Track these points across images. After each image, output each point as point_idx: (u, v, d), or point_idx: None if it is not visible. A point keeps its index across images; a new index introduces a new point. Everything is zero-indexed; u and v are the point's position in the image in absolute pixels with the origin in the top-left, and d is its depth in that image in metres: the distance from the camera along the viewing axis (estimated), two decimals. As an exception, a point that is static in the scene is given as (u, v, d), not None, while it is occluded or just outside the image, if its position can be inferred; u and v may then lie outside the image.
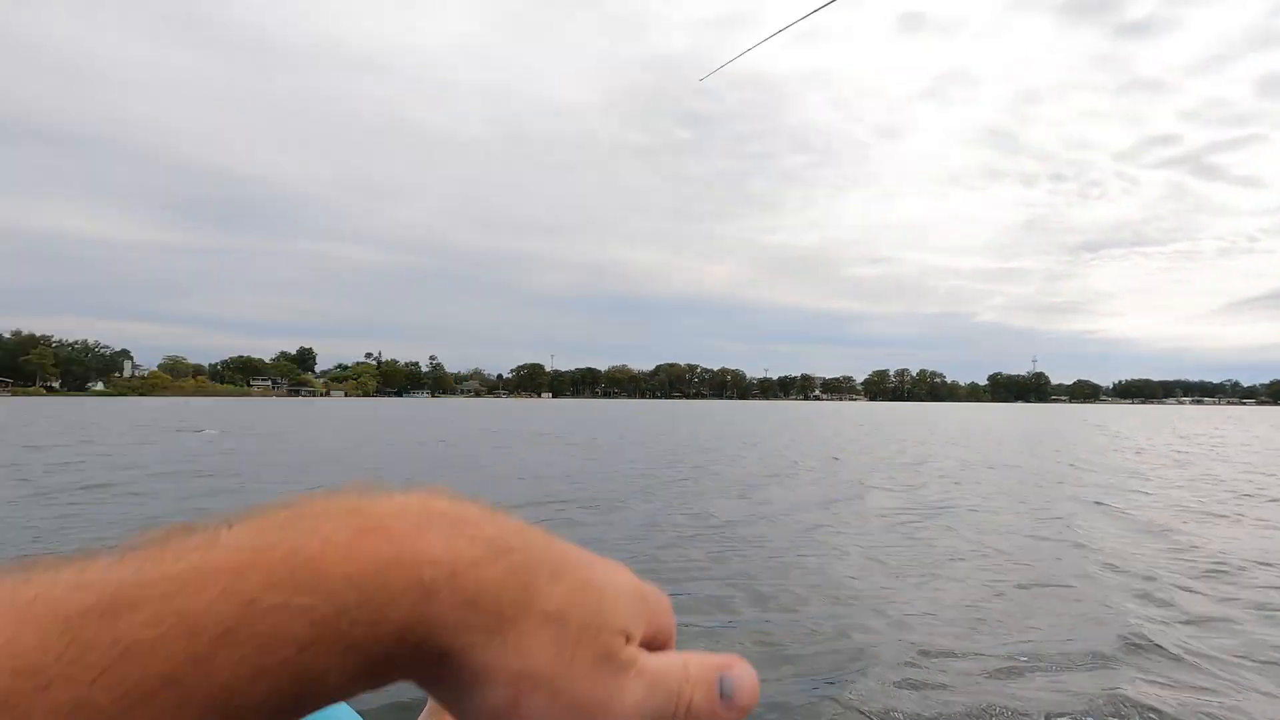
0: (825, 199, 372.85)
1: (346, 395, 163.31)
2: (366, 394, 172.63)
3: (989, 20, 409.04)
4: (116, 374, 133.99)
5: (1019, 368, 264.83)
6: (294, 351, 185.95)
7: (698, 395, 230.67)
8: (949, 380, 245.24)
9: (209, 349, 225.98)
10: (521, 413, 55.16)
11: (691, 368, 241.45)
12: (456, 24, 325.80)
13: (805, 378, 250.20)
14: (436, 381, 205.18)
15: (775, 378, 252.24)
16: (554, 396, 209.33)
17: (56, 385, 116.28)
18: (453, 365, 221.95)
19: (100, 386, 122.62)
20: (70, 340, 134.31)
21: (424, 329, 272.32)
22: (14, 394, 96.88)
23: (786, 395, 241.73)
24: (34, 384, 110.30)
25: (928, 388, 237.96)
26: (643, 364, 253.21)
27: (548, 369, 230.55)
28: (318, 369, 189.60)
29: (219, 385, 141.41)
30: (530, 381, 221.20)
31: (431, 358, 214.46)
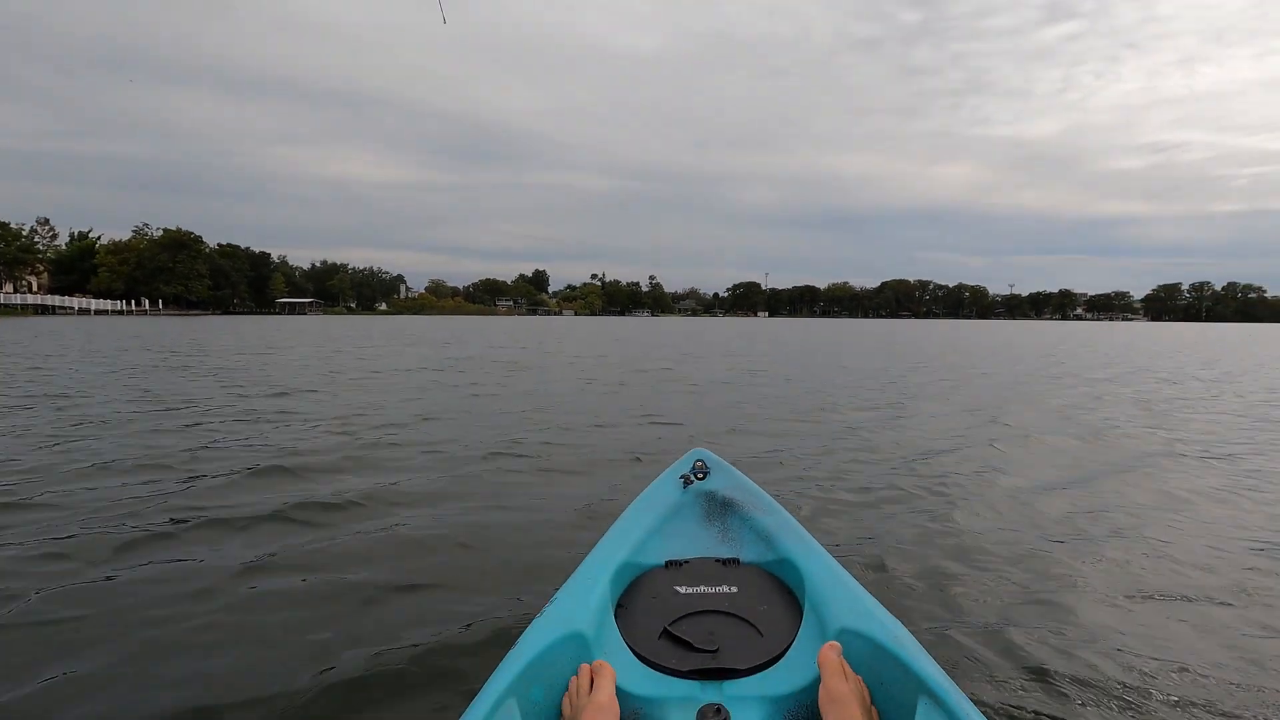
0: (1091, 77, 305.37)
1: (576, 314, 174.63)
2: (593, 312, 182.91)
3: None
4: (395, 295, 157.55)
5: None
6: (530, 274, 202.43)
7: (929, 314, 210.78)
8: (1270, 296, 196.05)
9: (462, 273, 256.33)
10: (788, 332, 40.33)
11: (923, 284, 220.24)
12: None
13: (1065, 294, 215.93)
14: (656, 301, 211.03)
15: (1025, 294, 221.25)
16: (770, 315, 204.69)
17: (354, 305, 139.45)
18: (670, 284, 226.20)
19: (384, 306, 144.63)
20: (361, 268, 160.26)
21: (643, 250, 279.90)
22: (325, 312, 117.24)
23: (1039, 315, 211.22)
24: (337, 304, 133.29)
25: (1237, 305, 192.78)
26: (865, 280, 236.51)
27: (763, 287, 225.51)
28: (550, 289, 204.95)
29: (471, 304, 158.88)
30: (746, 300, 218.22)
31: (651, 278, 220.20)
